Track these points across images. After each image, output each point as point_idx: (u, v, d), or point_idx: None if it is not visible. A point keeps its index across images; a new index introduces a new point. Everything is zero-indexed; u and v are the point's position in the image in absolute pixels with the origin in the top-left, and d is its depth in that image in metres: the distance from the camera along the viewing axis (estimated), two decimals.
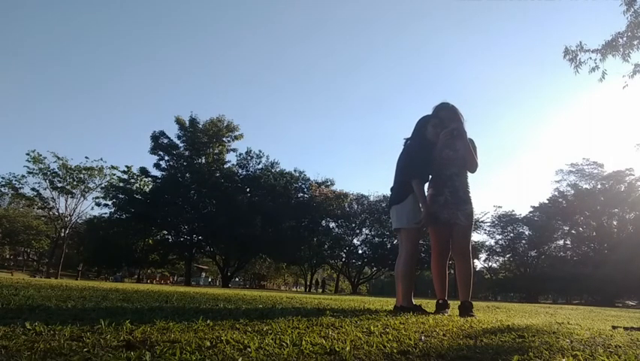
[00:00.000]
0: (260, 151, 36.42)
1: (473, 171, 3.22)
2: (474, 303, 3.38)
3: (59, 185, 34.92)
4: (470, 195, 3.21)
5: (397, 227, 3.26)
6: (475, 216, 3.38)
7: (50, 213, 37.70)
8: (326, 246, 40.39)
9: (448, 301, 3.40)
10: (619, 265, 32.04)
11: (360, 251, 43.06)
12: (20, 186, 35.46)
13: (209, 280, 51.35)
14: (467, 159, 3.16)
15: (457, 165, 3.15)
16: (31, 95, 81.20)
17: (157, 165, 34.53)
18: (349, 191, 40.85)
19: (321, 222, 39.36)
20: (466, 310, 3.10)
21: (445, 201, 3.14)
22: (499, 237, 43.57)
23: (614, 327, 2.92)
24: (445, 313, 3.14)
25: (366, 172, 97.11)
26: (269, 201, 31.80)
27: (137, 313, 1.84)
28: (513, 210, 43.39)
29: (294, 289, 52.71)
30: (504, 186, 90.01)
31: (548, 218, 40.48)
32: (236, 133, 35.95)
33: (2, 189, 36.91)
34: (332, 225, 41.07)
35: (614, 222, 40.66)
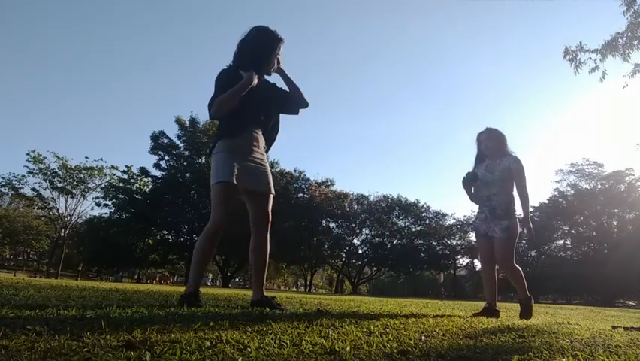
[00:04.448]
0: None
1: (520, 192, 3.52)
2: (474, 303, 3.46)
3: (59, 185, 34.95)
4: (511, 210, 3.50)
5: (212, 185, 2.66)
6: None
7: (50, 213, 37.73)
8: (326, 246, 40.40)
9: (497, 308, 3.59)
10: (619, 265, 32.04)
11: (360, 251, 43.13)
12: (20, 186, 35.50)
13: (210, 280, 51.39)
14: (504, 186, 3.53)
15: (495, 185, 3.54)
16: (32, 95, 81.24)
17: (157, 165, 34.51)
18: (349, 191, 40.94)
19: (321, 222, 39.36)
20: (524, 307, 3.55)
21: (485, 218, 3.58)
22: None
23: (614, 327, 2.92)
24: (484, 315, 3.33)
25: (366, 172, 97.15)
26: None
27: (137, 313, 1.84)
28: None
29: (294, 289, 52.73)
30: None
31: (548, 218, 40.49)
32: None
33: (2, 189, 36.98)
34: (332, 225, 41.09)
35: (614, 222, 40.66)
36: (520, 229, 3.53)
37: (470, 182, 3.66)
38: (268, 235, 2.74)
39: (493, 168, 3.56)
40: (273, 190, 2.76)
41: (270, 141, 2.84)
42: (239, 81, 2.56)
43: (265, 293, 2.71)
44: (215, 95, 2.58)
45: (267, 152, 2.81)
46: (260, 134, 2.72)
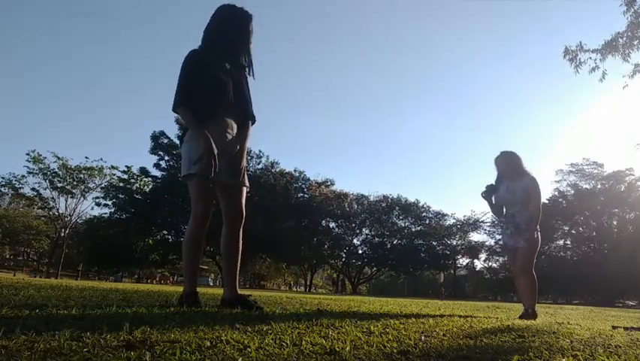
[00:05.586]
0: (260, 151, 36.49)
1: (532, 213, 3.85)
2: (474, 303, 3.46)
3: (59, 185, 35.00)
4: (533, 225, 3.82)
5: (181, 177, 2.48)
6: (530, 238, 3.85)
7: (50, 213, 37.77)
8: (326, 246, 40.43)
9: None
10: (619, 265, 32.04)
11: (360, 251, 43.20)
12: (20, 186, 35.58)
13: (210, 279, 51.37)
14: (525, 204, 3.90)
15: (517, 205, 3.95)
16: (31, 95, 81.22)
17: (157, 165, 34.60)
18: (349, 191, 40.98)
19: (321, 222, 39.41)
20: (526, 316, 3.64)
21: (511, 233, 3.97)
22: (499, 237, 43.62)
23: (614, 327, 2.92)
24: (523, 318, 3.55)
25: (366, 172, 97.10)
26: (269, 201, 31.82)
27: (137, 313, 1.84)
28: None
29: (295, 289, 52.73)
30: None
31: (548, 218, 40.47)
32: None
33: (2, 189, 37.07)
34: (332, 225, 41.15)
35: (614, 222, 40.68)
36: (540, 241, 3.85)
37: (489, 193, 4.06)
38: (241, 231, 2.53)
39: (514, 188, 3.96)
40: (247, 183, 2.56)
41: (245, 126, 2.60)
42: (210, 67, 2.47)
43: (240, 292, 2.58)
44: (184, 84, 2.46)
45: (246, 137, 2.57)
46: (233, 121, 2.53)
